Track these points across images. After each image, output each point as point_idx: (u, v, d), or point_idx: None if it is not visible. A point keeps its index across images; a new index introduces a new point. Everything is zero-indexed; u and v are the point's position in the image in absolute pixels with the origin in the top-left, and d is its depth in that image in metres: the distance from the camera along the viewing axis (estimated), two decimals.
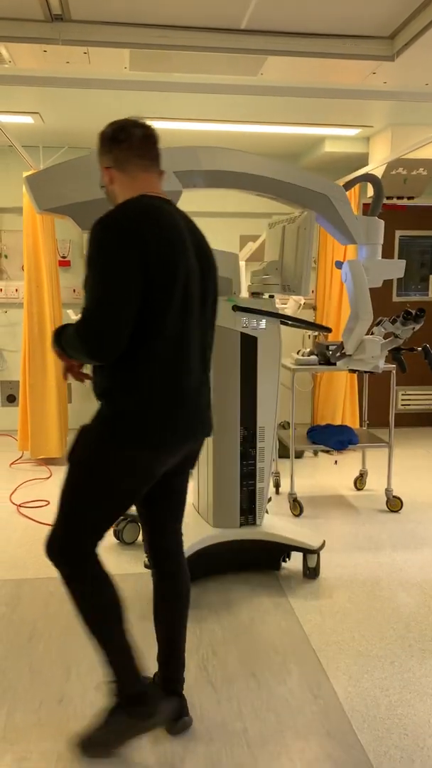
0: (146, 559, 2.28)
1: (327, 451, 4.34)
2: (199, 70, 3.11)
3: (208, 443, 3.02)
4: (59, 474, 4.65)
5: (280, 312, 3.06)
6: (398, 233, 6.01)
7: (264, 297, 3.03)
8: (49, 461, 4.86)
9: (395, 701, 2.16)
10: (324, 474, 4.74)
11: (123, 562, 3.22)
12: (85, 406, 5.75)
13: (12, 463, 4.91)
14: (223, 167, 2.75)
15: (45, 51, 2.95)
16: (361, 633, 2.59)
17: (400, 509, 3.93)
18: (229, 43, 2.86)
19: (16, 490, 4.27)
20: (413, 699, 2.17)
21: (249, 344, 2.92)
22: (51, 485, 4.43)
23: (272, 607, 2.78)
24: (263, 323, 2.93)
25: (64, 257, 5.53)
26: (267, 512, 3.43)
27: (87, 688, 2.24)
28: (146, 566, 2.76)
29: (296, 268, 2.88)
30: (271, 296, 3.12)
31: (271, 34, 2.88)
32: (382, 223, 2.98)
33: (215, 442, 2.98)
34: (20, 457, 5.00)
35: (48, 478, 4.59)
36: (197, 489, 3.22)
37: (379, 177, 4.70)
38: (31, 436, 4.78)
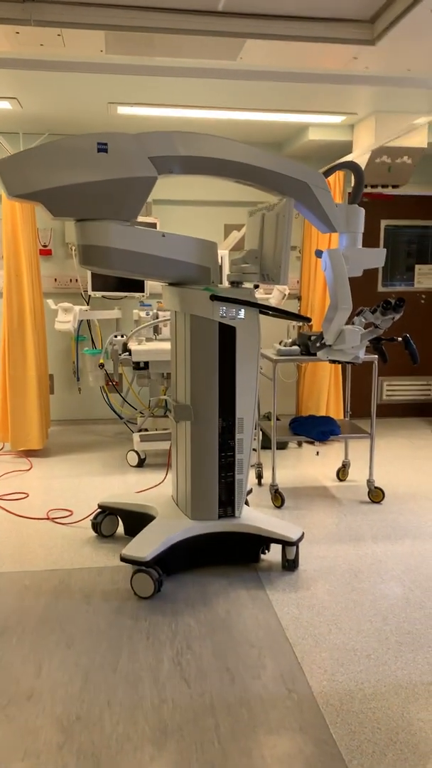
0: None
1: (311, 442, 4.32)
2: (176, 53, 3.04)
3: (186, 434, 2.98)
4: (40, 466, 4.61)
5: (262, 302, 3.03)
6: (383, 223, 5.97)
7: (244, 286, 2.98)
8: (29, 453, 4.81)
9: (369, 695, 2.14)
10: (307, 465, 4.72)
11: (101, 555, 3.18)
12: (69, 397, 5.71)
13: None
14: (200, 153, 2.69)
15: (17, 33, 2.87)
16: (338, 626, 2.56)
17: (381, 500, 3.91)
18: (206, 26, 2.80)
19: None
20: (387, 692, 2.15)
21: (227, 334, 2.88)
22: (31, 477, 4.38)
23: (249, 601, 2.76)
24: (242, 313, 2.88)
25: (45, 246, 5.46)
26: (247, 504, 3.41)
27: (57, 685, 2.20)
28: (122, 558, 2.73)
29: (275, 257, 2.83)
30: (256, 286, 3.08)
31: (249, 17, 2.82)
32: (362, 211, 2.93)
33: (193, 433, 2.94)
34: (1, 449, 4.94)
35: (29, 470, 4.54)
36: (175, 480, 3.18)
37: (363, 165, 4.67)
38: (11, 427, 4.72)
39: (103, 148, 2.55)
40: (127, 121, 4.74)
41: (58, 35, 2.90)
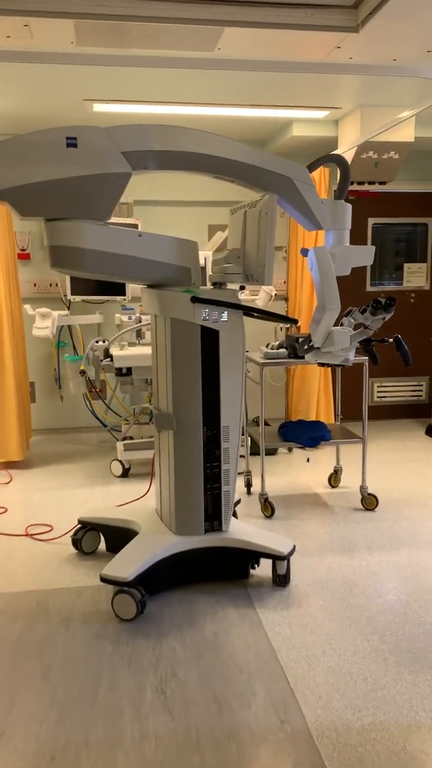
0: None
1: (301, 447, 4.17)
2: (151, 44, 2.89)
3: (169, 444, 2.82)
4: (21, 478, 4.44)
5: (246, 303, 2.88)
6: (371, 221, 5.84)
7: (229, 287, 2.83)
8: (9, 465, 4.63)
9: (368, 724, 1.99)
10: (298, 471, 4.57)
11: (81, 574, 3.01)
12: (51, 405, 5.53)
13: None
14: (177, 147, 2.54)
15: None
16: (333, 646, 2.41)
17: (375, 507, 3.76)
18: (182, 13, 2.65)
19: None
20: (387, 721, 2.00)
21: (210, 338, 2.73)
22: (10, 491, 4.21)
23: (238, 620, 2.60)
24: (225, 315, 2.73)
25: (23, 250, 5.29)
26: (236, 515, 3.26)
27: (31, 721, 2.03)
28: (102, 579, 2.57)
29: (258, 256, 2.68)
30: (242, 287, 2.93)
31: (226, 3, 2.67)
32: (349, 206, 2.79)
33: (176, 443, 2.79)
34: None
35: (8, 482, 4.36)
36: (159, 493, 3.02)
37: (349, 161, 4.53)
38: None
39: (72, 142, 2.39)
40: (104, 119, 4.58)
41: (25, 26, 2.75)
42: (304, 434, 3.72)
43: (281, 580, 2.85)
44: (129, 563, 2.63)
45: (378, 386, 6.07)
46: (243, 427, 4.15)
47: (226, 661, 2.33)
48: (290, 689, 2.16)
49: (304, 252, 2.84)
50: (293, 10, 2.70)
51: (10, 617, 2.64)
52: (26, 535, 3.46)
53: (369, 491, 3.78)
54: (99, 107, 4.29)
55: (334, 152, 4.50)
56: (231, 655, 2.37)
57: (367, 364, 3.64)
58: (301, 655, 2.35)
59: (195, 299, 2.64)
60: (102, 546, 3.25)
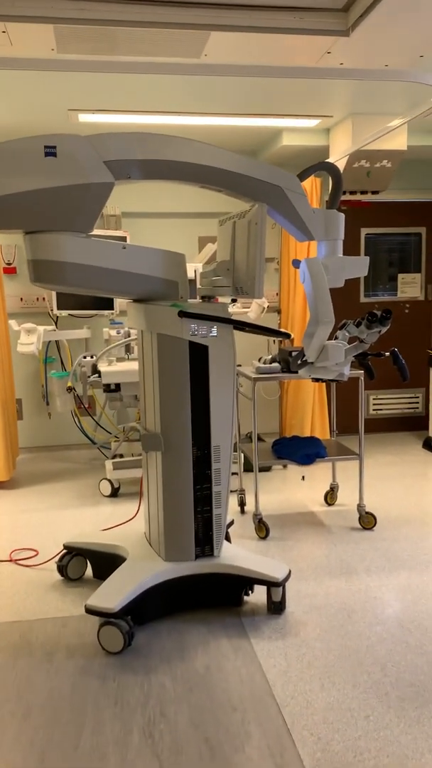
0: None
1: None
2: (133, 50, 2.79)
3: (157, 466, 2.69)
4: (6, 499, 4.29)
5: (239, 317, 2.77)
6: (364, 231, 5.75)
7: (221, 300, 2.72)
8: None
9: None
10: (293, 488, 4.44)
11: (67, 602, 2.87)
12: (38, 422, 5.39)
13: None
14: (161, 156, 2.43)
15: None
16: (332, 680, 2.27)
17: (373, 526, 3.63)
18: (166, 17, 2.55)
19: None
20: (391, 765, 1.86)
21: (199, 354, 2.61)
22: None
23: (232, 652, 2.46)
24: (214, 330, 2.61)
25: (9, 264, 5.17)
26: (228, 537, 3.13)
27: None
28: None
29: (248, 268, 2.57)
30: (234, 300, 2.81)
31: (211, 7, 2.57)
32: (342, 216, 2.68)
33: (164, 464, 2.66)
34: None
35: None
36: (148, 517, 2.89)
37: (341, 170, 4.44)
38: None
39: (51, 151, 2.28)
40: (90, 129, 4.46)
41: (3, 32, 2.64)
42: (299, 451, 3.60)
43: (276, 607, 2.72)
44: (115, 593, 2.49)
45: (374, 399, 5.95)
46: (236, 443, 4.03)
47: (218, 698, 2.19)
48: (287, 729, 2.02)
49: (296, 263, 2.73)
50: (282, 13, 2.61)
51: None
52: (10, 560, 3.32)
53: (366, 509, 3.65)
54: (84, 117, 4.19)
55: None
56: (224, 690, 2.23)
57: (362, 378, 3.53)
58: (298, 690, 2.22)
59: (182, 314, 2.53)
60: (89, 572, 3.11)
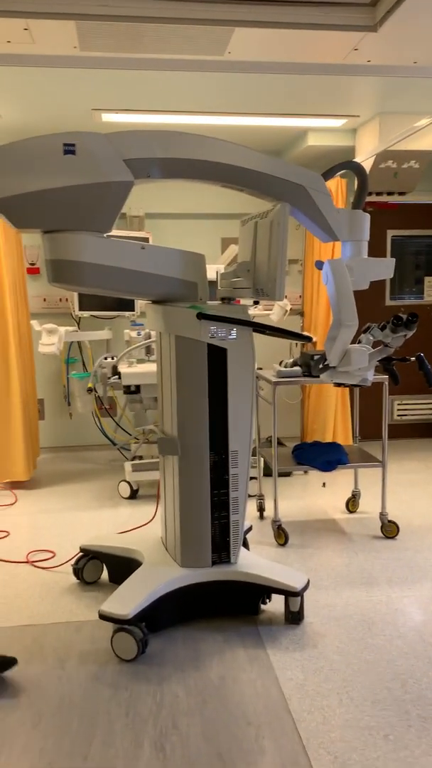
0: None
1: None
2: (155, 48, 2.75)
3: (174, 470, 2.64)
4: (26, 499, 4.28)
5: (261, 319, 2.70)
6: (390, 233, 5.65)
7: (238, 303, 2.67)
8: (15, 485, 4.48)
9: None
10: (314, 494, 4.36)
11: (81, 606, 2.83)
12: (60, 422, 5.39)
13: None
14: (182, 154, 2.38)
15: None
16: (350, 695, 2.20)
17: (396, 535, 3.54)
18: (187, 13, 2.50)
19: None
20: None
21: (217, 357, 2.55)
22: (14, 513, 4.04)
23: (247, 662, 2.40)
24: (234, 333, 2.56)
25: (32, 264, 5.17)
26: (246, 543, 3.07)
27: None
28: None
29: (269, 269, 2.51)
30: (256, 302, 2.76)
31: (235, 2, 2.52)
32: (367, 216, 2.61)
33: (181, 469, 2.60)
34: None
35: (13, 504, 4.21)
36: (164, 521, 2.84)
37: (367, 172, 4.35)
38: None
39: (70, 149, 2.24)
40: (113, 129, 4.43)
41: (25, 29, 2.62)
42: (319, 457, 3.52)
43: (294, 617, 2.65)
44: (130, 599, 2.44)
45: (398, 404, 5.84)
46: (255, 448, 3.97)
47: (232, 711, 2.13)
48: (302, 746, 1.95)
49: (319, 265, 2.66)
50: (307, 8, 2.55)
51: (5, 651, 2.45)
52: (27, 562, 3.29)
53: (389, 518, 3.56)
54: (108, 117, 4.17)
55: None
56: (238, 703, 2.17)
57: (386, 383, 3.44)
58: (315, 706, 2.15)
59: (201, 315, 2.47)
60: (105, 575, 3.07)
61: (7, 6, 2.41)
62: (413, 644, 2.50)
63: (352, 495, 3.98)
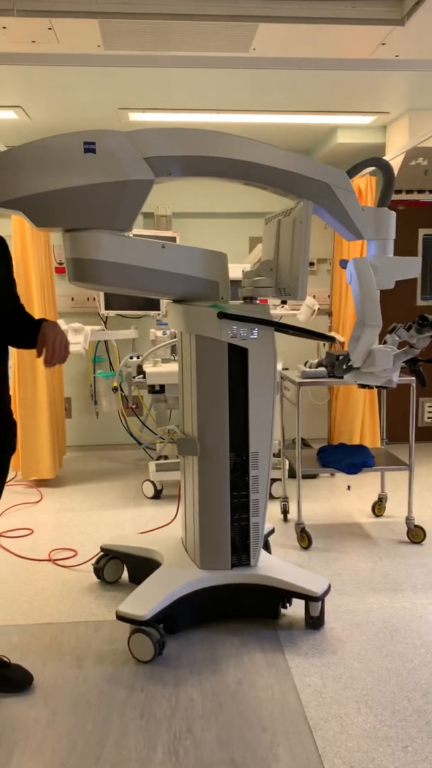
0: None
1: None
2: (178, 46, 2.73)
3: (194, 471, 2.62)
4: (51, 497, 4.31)
5: (287, 319, 2.66)
6: (422, 232, 5.54)
7: (259, 302, 2.63)
8: (41, 483, 4.51)
9: None
10: (340, 497, 4.30)
11: (101, 606, 2.83)
12: (87, 421, 5.42)
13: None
14: (202, 152, 2.35)
15: (4, 28, 2.61)
16: (369, 704, 2.15)
17: (422, 540, 3.46)
18: (210, 10, 2.48)
19: (0, 515, 3.92)
20: None
21: (238, 357, 2.52)
22: (39, 510, 4.07)
23: (265, 667, 2.36)
24: (255, 332, 2.52)
25: (61, 264, 5.20)
26: (268, 547, 3.04)
27: None
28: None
29: (292, 268, 2.47)
30: (284, 302, 2.72)
31: None
32: (392, 214, 2.55)
33: (201, 469, 2.58)
34: (13, 478, 4.65)
35: (38, 501, 4.24)
36: (184, 523, 2.82)
37: (397, 169, 4.28)
38: (22, 455, 4.43)
39: (90, 147, 2.24)
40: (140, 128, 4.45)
41: (49, 29, 2.63)
42: (345, 459, 3.46)
43: (314, 622, 2.60)
44: (147, 600, 2.43)
45: (429, 406, 5.73)
46: (280, 449, 3.92)
47: (248, 717, 2.09)
48: (318, 755, 1.91)
49: (344, 264, 2.61)
50: (333, 2, 2.50)
51: (21, 653, 2.47)
52: (49, 560, 3.31)
53: (416, 523, 3.49)
54: (135, 116, 4.17)
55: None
56: (254, 709, 2.13)
57: (414, 385, 3.37)
58: (332, 714, 2.10)
59: (222, 315, 2.45)
60: (125, 575, 3.06)
61: (31, 5, 2.42)
62: None
63: (379, 499, 3.91)
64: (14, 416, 2.32)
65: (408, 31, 2.62)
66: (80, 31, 2.64)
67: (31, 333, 2.16)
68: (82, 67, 3.27)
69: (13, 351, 4.42)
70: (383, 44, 2.78)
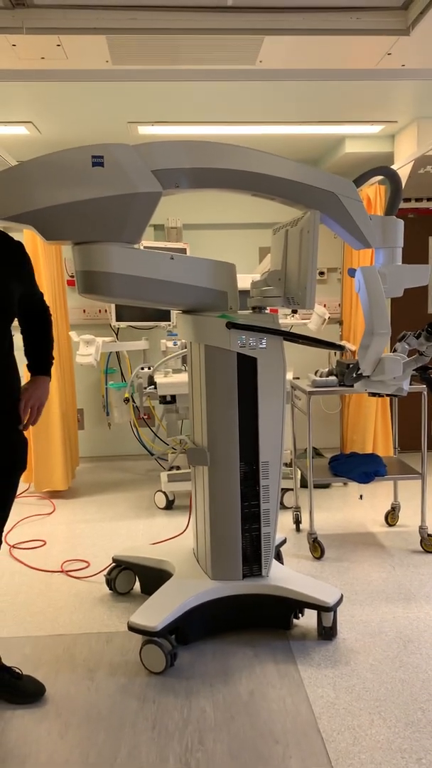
0: None
1: None
2: (185, 59, 2.76)
3: (204, 481, 2.62)
4: (63, 509, 4.33)
5: (295, 329, 2.67)
6: None
7: (268, 311, 2.64)
8: (54, 494, 4.53)
9: None
10: (353, 507, 4.28)
11: (113, 617, 2.83)
12: (99, 432, 5.44)
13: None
14: (209, 164, 2.37)
15: (14, 45, 2.65)
16: (382, 716, 2.13)
17: None
18: (216, 23, 2.50)
19: (13, 527, 3.94)
20: None
21: (247, 366, 2.53)
22: (51, 522, 4.09)
23: (277, 678, 2.35)
24: (264, 342, 2.53)
25: (72, 276, 5.24)
26: (280, 557, 3.03)
27: None
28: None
29: (300, 278, 2.48)
30: (294, 311, 2.72)
31: (264, 11, 2.51)
32: (400, 222, 2.55)
33: (211, 479, 2.58)
34: (26, 490, 4.67)
35: (51, 513, 4.25)
36: (195, 533, 2.82)
37: (405, 177, 4.28)
38: (35, 467, 4.46)
39: (98, 161, 2.26)
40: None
41: (58, 45, 2.67)
42: (356, 468, 3.45)
43: (327, 633, 2.59)
44: (159, 611, 2.43)
45: None
46: (292, 459, 3.91)
47: (260, 729, 2.08)
48: (331, 767, 1.89)
49: (352, 272, 2.61)
50: (338, 14, 2.52)
51: (34, 665, 2.47)
52: (61, 571, 3.32)
53: (429, 532, 3.46)
54: (144, 129, 4.21)
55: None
56: (266, 721, 2.12)
57: (425, 393, 3.35)
58: (345, 725, 2.08)
59: (230, 325, 2.46)
60: (138, 586, 3.06)
61: (40, 23, 2.46)
62: None
63: (392, 508, 3.88)
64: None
65: (413, 40, 2.63)
66: (88, 47, 2.67)
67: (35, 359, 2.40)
68: (90, 82, 3.31)
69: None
70: (389, 54, 2.79)
